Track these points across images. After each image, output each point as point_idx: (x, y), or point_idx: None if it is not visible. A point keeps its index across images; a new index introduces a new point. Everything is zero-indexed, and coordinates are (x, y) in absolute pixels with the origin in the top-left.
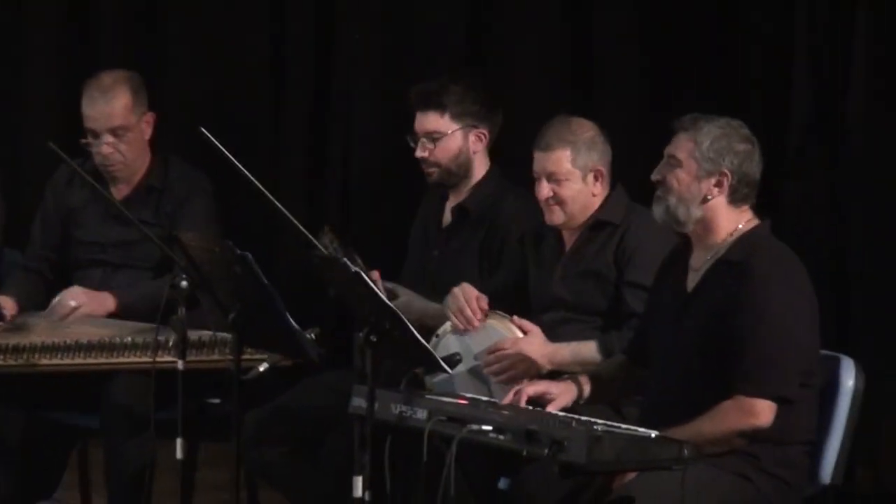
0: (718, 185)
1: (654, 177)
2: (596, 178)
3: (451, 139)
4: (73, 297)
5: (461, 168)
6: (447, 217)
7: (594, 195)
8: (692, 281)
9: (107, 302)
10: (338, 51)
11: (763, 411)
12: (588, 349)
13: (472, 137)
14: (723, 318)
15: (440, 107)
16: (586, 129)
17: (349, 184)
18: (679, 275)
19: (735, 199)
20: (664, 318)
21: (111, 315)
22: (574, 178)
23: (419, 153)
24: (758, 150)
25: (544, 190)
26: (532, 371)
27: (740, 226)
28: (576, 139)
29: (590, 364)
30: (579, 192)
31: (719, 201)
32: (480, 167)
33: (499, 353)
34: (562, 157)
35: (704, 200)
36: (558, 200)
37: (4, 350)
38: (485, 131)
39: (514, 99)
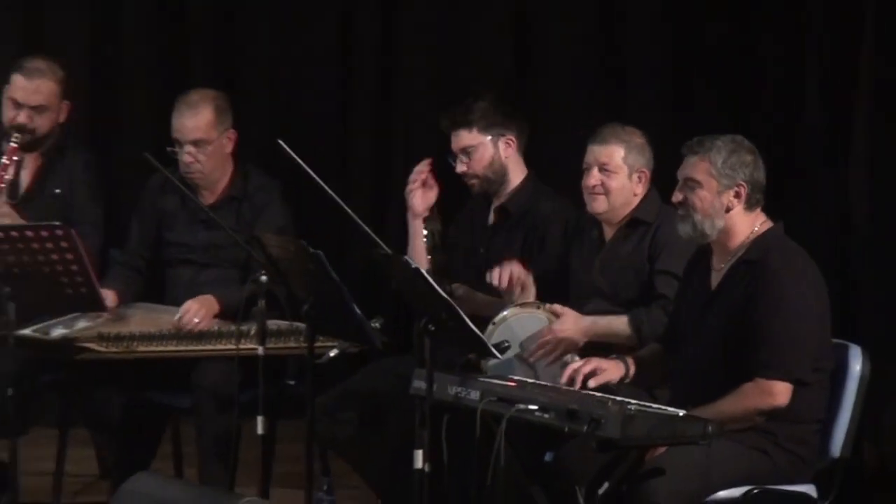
0: (737, 195)
1: (676, 199)
2: (639, 179)
3: (483, 150)
4: (189, 313)
5: (497, 174)
6: (491, 217)
7: (635, 194)
8: (715, 280)
9: (212, 304)
10: (398, 73)
11: (780, 392)
12: (619, 322)
13: (501, 145)
14: (743, 311)
15: (468, 124)
16: (638, 136)
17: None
18: (703, 275)
19: (750, 204)
20: (691, 313)
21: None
22: (622, 172)
23: (459, 169)
24: (760, 158)
25: (594, 178)
26: (571, 347)
27: (755, 228)
28: (629, 140)
29: (621, 336)
30: (624, 186)
31: (738, 210)
32: (516, 171)
33: (540, 342)
34: (615, 151)
35: (727, 211)
36: (605, 190)
37: (107, 338)
38: (512, 137)
39: (555, 108)
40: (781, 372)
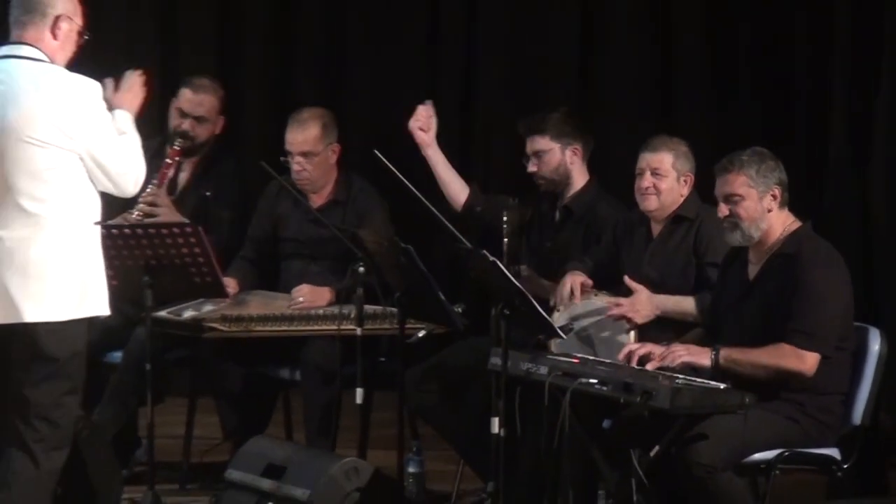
0: (773, 197)
1: (722, 214)
2: (685, 182)
3: (553, 155)
4: (301, 294)
5: (562, 177)
6: (557, 215)
7: (681, 195)
8: (752, 272)
9: (325, 295)
10: (478, 86)
11: (809, 360)
12: (687, 302)
13: (568, 152)
14: (779, 298)
15: (543, 131)
16: (684, 145)
17: (490, 187)
18: (740, 267)
19: (782, 203)
20: (730, 301)
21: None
22: (671, 176)
23: (530, 169)
24: (780, 162)
25: (647, 181)
26: (643, 316)
27: (787, 224)
28: (677, 149)
29: (688, 313)
30: (672, 188)
31: (775, 210)
32: (579, 176)
33: (617, 308)
34: (665, 158)
35: (767, 212)
36: (657, 190)
37: (229, 320)
38: (578, 147)
39: (613, 119)
40: (812, 343)
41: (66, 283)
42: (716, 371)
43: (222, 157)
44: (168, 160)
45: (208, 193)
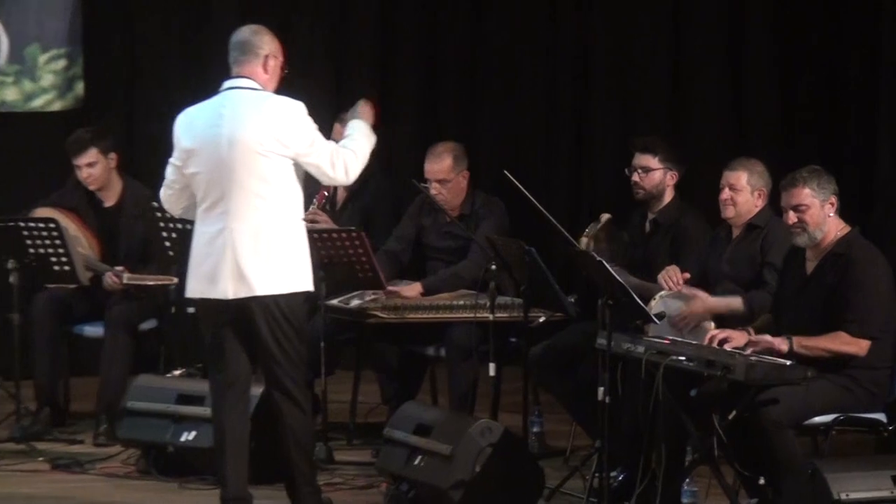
0: (831, 205)
1: (791, 222)
2: (759, 196)
3: (656, 174)
4: (403, 292)
5: (657, 193)
6: (647, 227)
7: (755, 206)
8: (809, 268)
9: (416, 289)
10: (591, 106)
11: (863, 345)
12: (735, 301)
13: (668, 175)
14: (833, 290)
15: (652, 151)
16: (759, 164)
17: (595, 201)
18: (800, 264)
19: (836, 211)
20: (791, 292)
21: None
22: (745, 190)
23: (634, 179)
24: (832, 176)
25: (725, 194)
26: (701, 318)
27: (839, 229)
28: (752, 168)
29: (735, 310)
30: (747, 201)
31: (832, 217)
32: (669, 194)
33: (682, 315)
34: (741, 176)
35: (827, 218)
36: (733, 202)
37: (387, 307)
38: (675, 173)
39: (701, 143)
40: (864, 330)
41: (286, 263)
42: (791, 355)
43: (376, 175)
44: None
45: (367, 201)
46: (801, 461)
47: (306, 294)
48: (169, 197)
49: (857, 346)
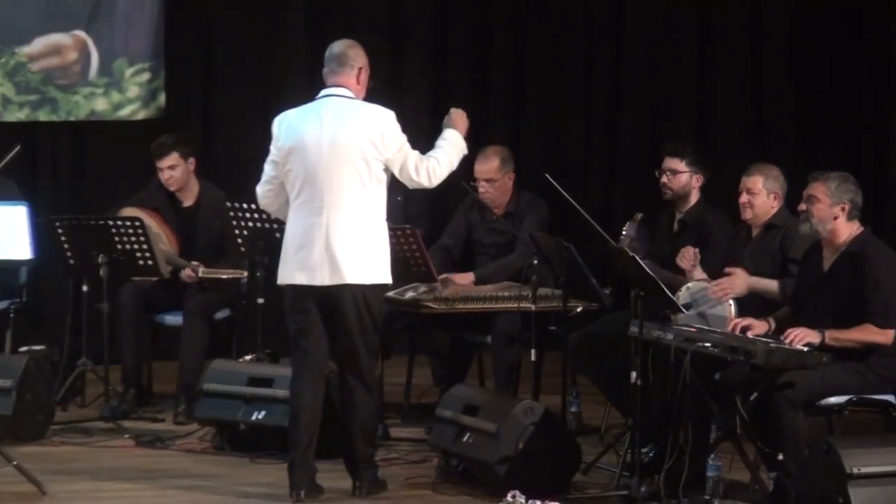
0: (842, 209)
1: (801, 208)
2: (775, 198)
3: (683, 176)
4: (456, 279)
5: (683, 194)
6: (675, 226)
7: (772, 208)
8: (826, 265)
9: (469, 278)
10: (623, 118)
11: (889, 335)
12: (773, 284)
13: (693, 178)
14: (849, 287)
15: (681, 155)
16: (775, 170)
17: (628, 202)
18: (817, 261)
19: (850, 217)
20: (810, 287)
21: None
22: (762, 194)
23: (663, 180)
24: (860, 189)
25: (743, 198)
26: (739, 289)
27: (853, 230)
28: (768, 173)
29: (772, 293)
30: (763, 203)
31: (841, 219)
32: (695, 196)
33: (718, 283)
34: (757, 180)
35: (833, 219)
36: (751, 205)
37: (438, 298)
38: (701, 177)
39: (723, 152)
40: (888, 321)
41: (374, 256)
42: (822, 346)
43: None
44: None
45: (399, 198)
46: (805, 441)
47: (386, 286)
48: (267, 193)
49: (885, 336)
